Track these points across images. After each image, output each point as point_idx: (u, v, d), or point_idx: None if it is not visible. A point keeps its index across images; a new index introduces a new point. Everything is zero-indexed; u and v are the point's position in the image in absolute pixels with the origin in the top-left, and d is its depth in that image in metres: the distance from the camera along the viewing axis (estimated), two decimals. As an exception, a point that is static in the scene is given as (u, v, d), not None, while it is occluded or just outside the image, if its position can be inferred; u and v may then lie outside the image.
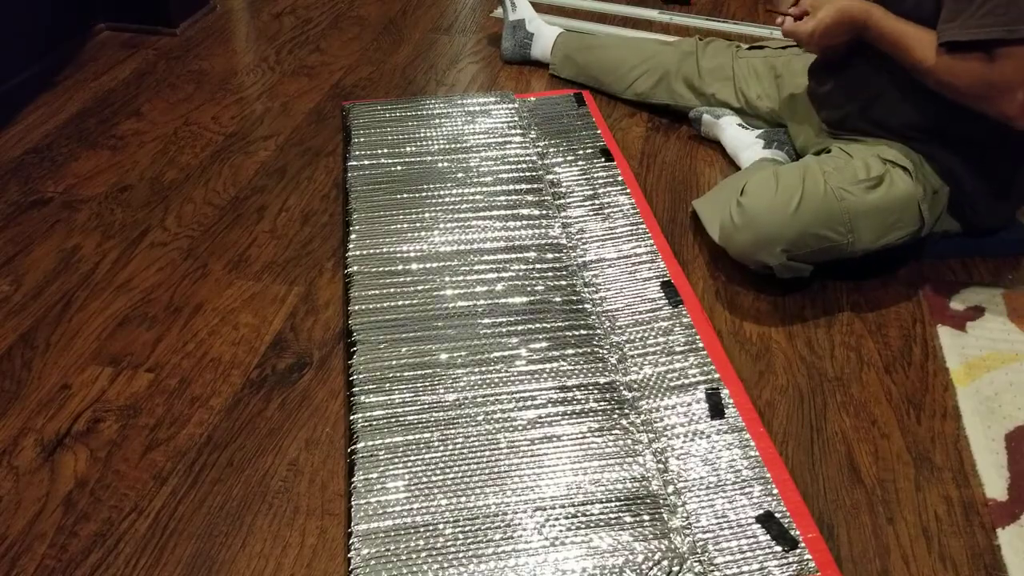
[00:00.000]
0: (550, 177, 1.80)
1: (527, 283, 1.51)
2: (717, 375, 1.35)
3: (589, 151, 1.89)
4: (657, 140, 1.99)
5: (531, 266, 1.55)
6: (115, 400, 1.33)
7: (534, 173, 1.78)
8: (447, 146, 1.87)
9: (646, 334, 1.43)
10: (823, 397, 1.37)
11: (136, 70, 2.24)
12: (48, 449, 1.25)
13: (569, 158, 1.87)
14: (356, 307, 1.47)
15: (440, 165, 1.81)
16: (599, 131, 1.96)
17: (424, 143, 1.88)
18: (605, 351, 1.39)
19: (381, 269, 1.55)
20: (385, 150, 1.86)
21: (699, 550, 1.11)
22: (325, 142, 1.97)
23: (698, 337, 1.41)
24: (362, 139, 1.89)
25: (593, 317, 1.45)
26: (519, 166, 1.81)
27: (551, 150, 1.89)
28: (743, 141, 1.85)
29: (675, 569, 1.09)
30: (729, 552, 1.11)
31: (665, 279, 1.53)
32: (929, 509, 1.20)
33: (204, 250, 1.64)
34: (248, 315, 1.49)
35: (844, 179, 1.49)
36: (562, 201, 1.73)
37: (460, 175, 1.78)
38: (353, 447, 1.24)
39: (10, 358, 1.40)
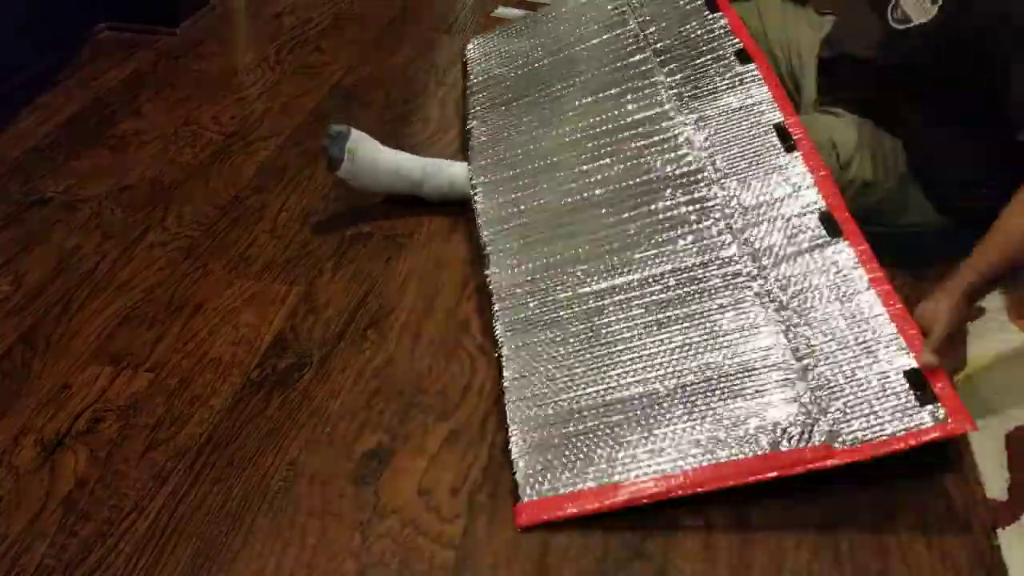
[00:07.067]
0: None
1: (641, 160, 1.54)
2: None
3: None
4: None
5: (643, 142, 1.57)
6: (115, 400, 1.33)
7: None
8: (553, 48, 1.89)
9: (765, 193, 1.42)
10: (823, 397, 1.36)
11: (136, 70, 2.24)
12: (48, 449, 1.25)
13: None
14: (483, 218, 1.58)
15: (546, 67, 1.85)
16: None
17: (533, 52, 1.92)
18: (725, 223, 1.40)
19: (503, 175, 1.64)
20: (498, 70, 1.91)
21: (832, 410, 1.15)
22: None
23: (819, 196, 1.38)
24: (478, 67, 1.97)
25: (711, 187, 1.45)
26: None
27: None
28: None
29: (808, 431, 1.14)
30: (860, 411, 1.15)
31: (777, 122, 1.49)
32: (929, 509, 1.20)
33: (204, 250, 1.64)
34: (248, 315, 1.49)
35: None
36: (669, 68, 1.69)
37: (564, 70, 1.80)
38: (499, 351, 1.35)
39: (10, 358, 1.40)
